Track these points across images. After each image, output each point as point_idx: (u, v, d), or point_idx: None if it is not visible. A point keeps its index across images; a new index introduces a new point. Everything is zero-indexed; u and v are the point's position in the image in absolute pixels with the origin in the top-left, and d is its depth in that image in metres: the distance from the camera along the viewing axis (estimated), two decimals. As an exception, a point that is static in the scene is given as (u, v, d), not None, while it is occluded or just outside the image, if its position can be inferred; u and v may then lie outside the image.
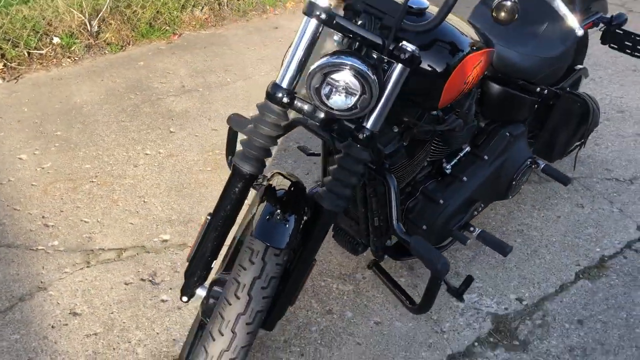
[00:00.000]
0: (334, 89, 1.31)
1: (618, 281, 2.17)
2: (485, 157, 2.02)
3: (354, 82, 1.28)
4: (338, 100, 1.32)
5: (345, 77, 1.28)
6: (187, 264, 1.55)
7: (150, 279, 2.11)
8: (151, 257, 2.20)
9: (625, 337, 1.96)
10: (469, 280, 1.83)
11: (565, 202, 2.56)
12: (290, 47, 1.35)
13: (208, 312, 1.50)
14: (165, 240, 2.28)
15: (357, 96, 1.30)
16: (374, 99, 1.30)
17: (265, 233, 1.38)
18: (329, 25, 1.31)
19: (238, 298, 1.33)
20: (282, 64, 1.37)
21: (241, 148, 1.44)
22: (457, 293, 1.85)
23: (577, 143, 2.47)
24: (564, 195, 2.60)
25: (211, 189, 2.57)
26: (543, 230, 2.40)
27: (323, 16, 1.29)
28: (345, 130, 1.44)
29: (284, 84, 1.35)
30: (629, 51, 2.41)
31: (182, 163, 2.74)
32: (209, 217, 1.50)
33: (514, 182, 2.13)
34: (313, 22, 1.31)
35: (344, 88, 1.30)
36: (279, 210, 1.42)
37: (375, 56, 1.34)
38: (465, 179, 1.96)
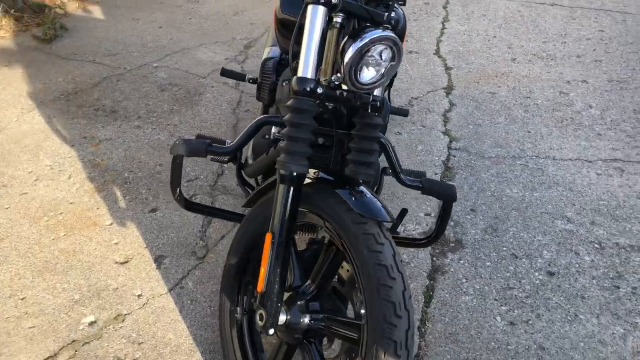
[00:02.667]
0: (363, 65, 1.38)
1: (462, 173, 2.75)
2: None
3: (388, 53, 1.38)
4: (367, 75, 1.39)
5: (381, 50, 1.37)
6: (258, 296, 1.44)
7: None
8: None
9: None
10: (403, 213, 2.09)
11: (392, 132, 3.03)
12: (302, 37, 1.36)
13: (311, 333, 1.46)
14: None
15: (387, 66, 1.40)
16: (399, 65, 1.43)
17: (373, 210, 1.38)
18: (335, 8, 1.35)
19: (394, 279, 1.31)
20: (294, 57, 1.39)
21: (282, 155, 1.39)
22: (394, 226, 2.09)
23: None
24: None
25: (91, 256, 2.21)
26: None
27: (334, 0, 1.33)
28: (353, 103, 1.50)
29: (310, 75, 1.36)
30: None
31: (20, 241, 2.26)
32: (272, 236, 1.41)
33: None
34: (321, 9, 1.34)
35: (376, 62, 1.38)
36: (351, 189, 1.43)
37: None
38: None
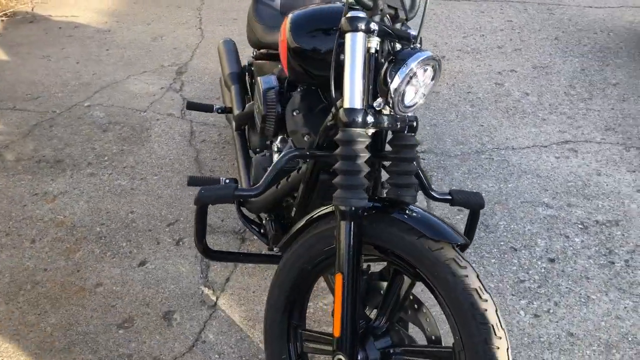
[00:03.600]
0: (406, 88, 1.35)
1: (437, 175, 2.81)
2: None
3: (430, 73, 1.37)
4: (410, 97, 1.37)
5: (424, 71, 1.35)
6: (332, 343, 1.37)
7: None
8: None
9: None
10: None
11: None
12: (344, 67, 1.33)
13: None
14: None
15: (430, 85, 1.39)
16: (436, 83, 1.42)
17: (445, 233, 1.33)
18: (372, 33, 1.32)
19: (486, 301, 1.29)
20: (336, 87, 1.35)
21: (340, 191, 1.34)
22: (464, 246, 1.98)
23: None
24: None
25: (90, 325, 2.00)
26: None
27: (372, 26, 1.31)
28: (395, 127, 1.45)
29: (359, 105, 1.33)
30: None
31: (1, 325, 2.00)
32: (341, 276, 1.35)
33: None
34: (360, 36, 1.32)
35: (420, 83, 1.37)
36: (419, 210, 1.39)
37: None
38: None
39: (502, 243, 2.38)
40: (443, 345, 1.50)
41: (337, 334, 1.38)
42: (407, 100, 1.37)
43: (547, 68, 3.85)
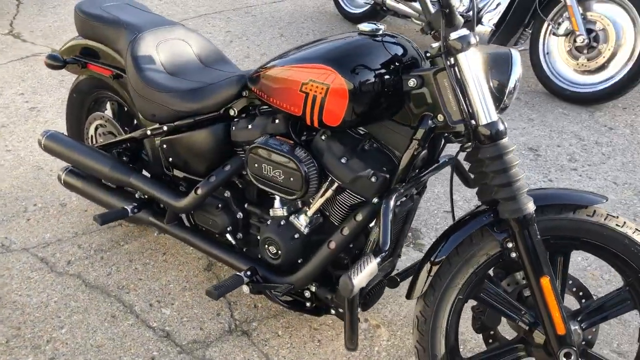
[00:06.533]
0: None
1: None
2: None
3: None
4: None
5: None
6: None
7: None
8: None
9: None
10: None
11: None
12: (465, 87, 1.36)
13: None
14: None
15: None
16: None
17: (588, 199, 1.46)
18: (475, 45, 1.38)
19: None
20: (460, 104, 1.37)
21: (509, 203, 1.36)
22: None
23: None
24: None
25: None
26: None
27: (476, 39, 1.37)
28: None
29: (495, 117, 1.36)
30: None
31: None
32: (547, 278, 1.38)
33: None
34: (471, 51, 1.36)
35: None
36: None
37: None
38: None
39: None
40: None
41: (561, 331, 1.41)
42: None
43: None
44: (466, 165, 1.51)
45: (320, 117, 1.50)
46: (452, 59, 1.37)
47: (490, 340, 1.58)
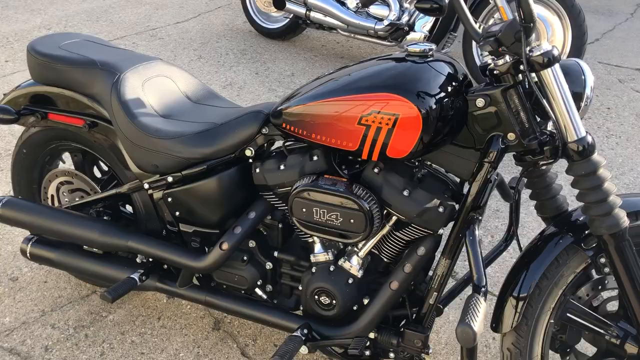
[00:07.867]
0: None
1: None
2: None
3: None
4: None
5: None
6: None
7: None
8: None
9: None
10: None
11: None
12: (552, 103, 1.31)
13: None
14: None
15: None
16: None
17: None
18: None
19: None
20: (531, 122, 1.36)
21: (603, 219, 1.31)
22: None
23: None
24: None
25: None
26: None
27: (556, 51, 1.31)
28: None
29: (584, 132, 1.33)
30: None
31: None
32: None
33: None
34: (557, 67, 1.31)
35: None
36: None
37: None
38: None
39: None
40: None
41: None
42: None
43: (233, 84, 3.76)
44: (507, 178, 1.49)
45: (384, 150, 1.37)
46: (533, 75, 1.30)
47: (568, 358, 1.54)
